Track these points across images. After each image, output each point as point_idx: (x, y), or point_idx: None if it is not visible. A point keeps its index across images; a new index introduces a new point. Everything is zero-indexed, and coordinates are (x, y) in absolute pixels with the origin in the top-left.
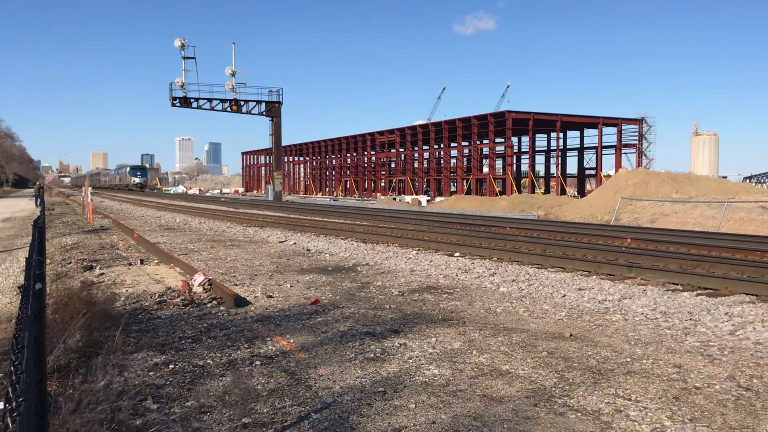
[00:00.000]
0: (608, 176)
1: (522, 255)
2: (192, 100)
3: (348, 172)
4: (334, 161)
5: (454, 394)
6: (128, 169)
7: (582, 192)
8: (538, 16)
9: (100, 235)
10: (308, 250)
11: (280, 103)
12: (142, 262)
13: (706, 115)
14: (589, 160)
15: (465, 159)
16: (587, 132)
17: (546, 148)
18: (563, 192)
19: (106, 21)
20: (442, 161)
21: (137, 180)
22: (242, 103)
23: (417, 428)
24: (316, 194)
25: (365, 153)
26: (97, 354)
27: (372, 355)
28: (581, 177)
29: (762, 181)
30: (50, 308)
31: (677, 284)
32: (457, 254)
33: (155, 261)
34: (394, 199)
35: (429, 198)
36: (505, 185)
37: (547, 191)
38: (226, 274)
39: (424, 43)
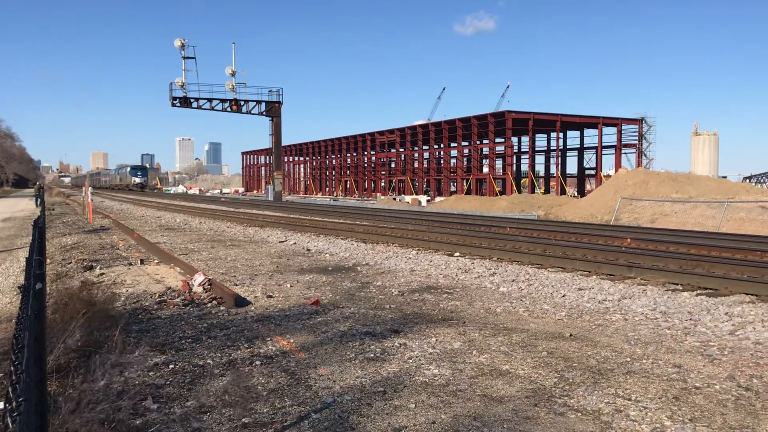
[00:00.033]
0: (608, 176)
1: (522, 255)
2: (192, 100)
3: (348, 172)
4: (334, 161)
5: (454, 394)
6: (128, 169)
7: (582, 192)
8: (538, 16)
9: (100, 235)
10: (308, 250)
11: (280, 103)
12: (142, 262)
13: (706, 115)
14: (589, 160)
15: (465, 159)
16: (587, 132)
17: (546, 148)
18: (563, 192)
19: (106, 21)
20: (442, 161)
21: (137, 180)
22: (242, 103)
23: (417, 428)
24: (316, 194)
25: (365, 153)
26: (97, 354)
27: (372, 355)
28: (581, 177)
29: (762, 181)
30: (50, 308)
31: (677, 284)
32: (457, 254)
33: (155, 261)
34: (394, 199)
35: (429, 198)
36: (505, 185)
37: (547, 191)
38: (226, 274)
39: (424, 43)
